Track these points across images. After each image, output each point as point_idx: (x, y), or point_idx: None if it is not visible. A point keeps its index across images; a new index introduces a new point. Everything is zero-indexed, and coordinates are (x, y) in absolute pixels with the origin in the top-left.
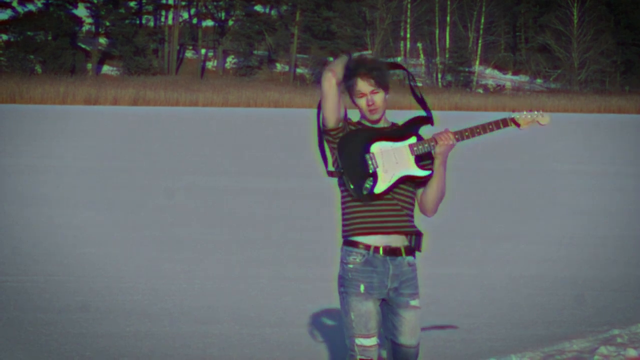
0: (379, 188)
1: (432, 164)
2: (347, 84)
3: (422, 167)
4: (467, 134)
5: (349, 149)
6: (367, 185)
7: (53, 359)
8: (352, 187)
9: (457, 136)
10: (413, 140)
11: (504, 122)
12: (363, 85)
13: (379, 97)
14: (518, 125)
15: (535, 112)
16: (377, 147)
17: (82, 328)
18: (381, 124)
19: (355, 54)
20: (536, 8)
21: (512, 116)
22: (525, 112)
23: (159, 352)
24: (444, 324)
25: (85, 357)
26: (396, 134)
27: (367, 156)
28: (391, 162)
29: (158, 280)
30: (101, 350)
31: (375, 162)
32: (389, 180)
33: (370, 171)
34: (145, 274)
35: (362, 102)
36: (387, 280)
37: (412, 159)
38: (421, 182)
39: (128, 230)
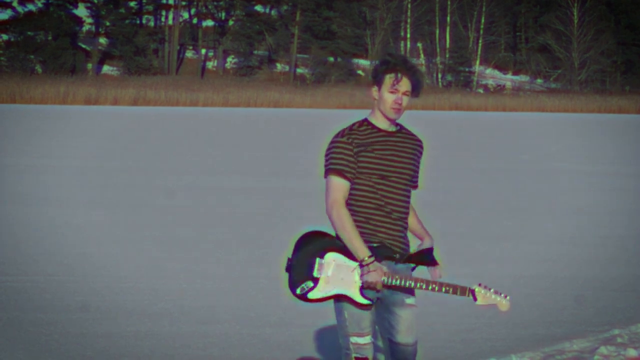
0: (314, 295)
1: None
2: (386, 72)
3: (364, 296)
4: (422, 285)
5: (305, 246)
6: (304, 287)
7: (53, 358)
8: (290, 282)
9: (417, 284)
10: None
11: (462, 291)
12: (405, 83)
13: (406, 100)
14: (475, 299)
15: (499, 297)
16: (331, 257)
17: (83, 328)
18: (392, 127)
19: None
20: (536, 8)
21: (473, 288)
22: (490, 291)
23: (159, 352)
24: (445, 325)
25: (85, 357)
26: (386, 252)
27: (318, 260)
28: (337, 276)
29: (158, 280)
30: (101, 350)
31: (321, 270)
32: (326, 292)
33: (314, 275)
34: (145, 273)
35: (390, 97)
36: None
37: (358, 283)
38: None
39: (128, 230)
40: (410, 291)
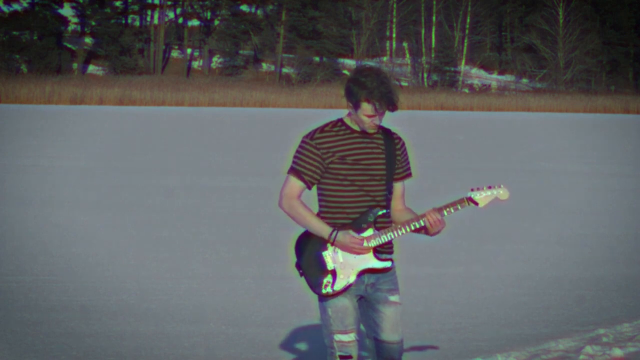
0: (339, 285)
1: (390, 253)
2: (363, 100)
3: (380, 259)
4: (418, 224)
5: (307, 247)
6: (326, 283)
7: (39, 358)
8: (311, 286)
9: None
10: (370, 232)
11: (461, 203)
12: (378, 107)
13: (383, 117)
14: (476, 204)
15: (495, 190)
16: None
17: (68, 327)
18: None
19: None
20: (522, 8)
21: (469, 195)
22: (484, 190)
23: (144, 352)
24: (430, 324)
25: (71, 357)
26: (355, 225)
27: (325, 253)
28: (349, 256)
29: (144, 280)
30: (87, 349)
31: (333, 259)
32: (348, 276)
33: (329, 268)
34: (131, 273)
35: (366, 119)
36: (363, 276)
37: (369, 251)
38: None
39: (115, 230)
40: (394, 289)
